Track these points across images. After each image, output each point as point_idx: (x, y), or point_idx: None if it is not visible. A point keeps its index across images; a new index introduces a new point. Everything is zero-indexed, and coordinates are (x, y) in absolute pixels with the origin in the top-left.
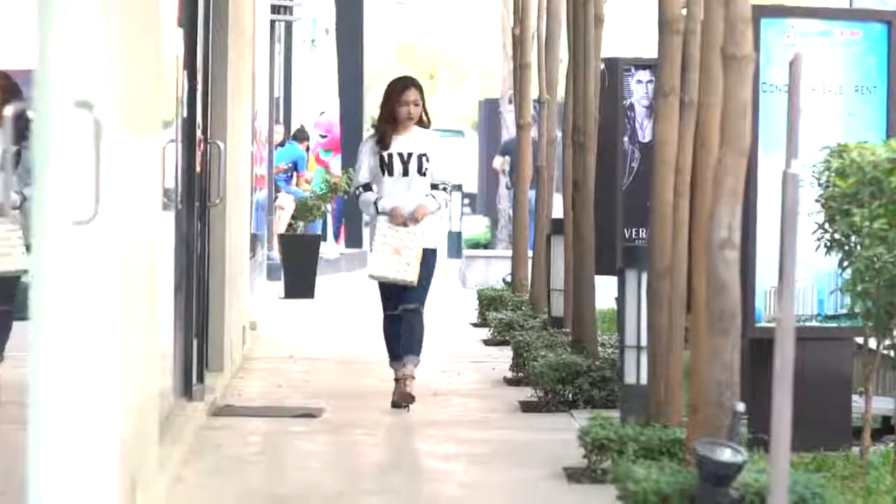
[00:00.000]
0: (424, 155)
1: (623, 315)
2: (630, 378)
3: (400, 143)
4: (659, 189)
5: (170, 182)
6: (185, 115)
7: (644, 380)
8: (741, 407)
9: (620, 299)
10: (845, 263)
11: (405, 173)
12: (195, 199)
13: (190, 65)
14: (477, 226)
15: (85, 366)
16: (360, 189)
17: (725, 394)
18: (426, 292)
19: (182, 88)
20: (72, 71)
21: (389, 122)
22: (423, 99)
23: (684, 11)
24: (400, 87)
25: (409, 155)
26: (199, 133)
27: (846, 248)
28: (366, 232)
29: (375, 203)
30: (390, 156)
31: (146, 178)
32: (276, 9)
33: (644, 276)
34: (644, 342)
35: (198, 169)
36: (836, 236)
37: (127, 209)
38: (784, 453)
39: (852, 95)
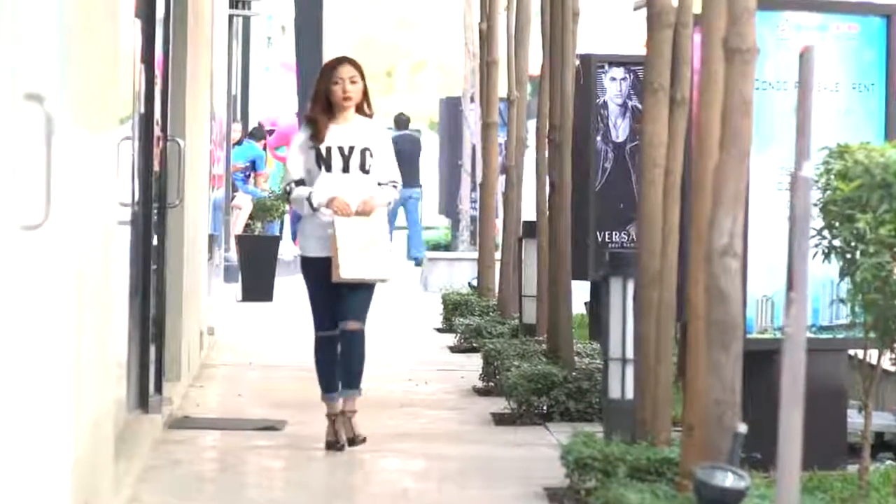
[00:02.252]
0: (368, 149)
1: (607, 325)
2: (614, 392)
3: (338, 135)
4: (647, 192)
5: (126, 182)
6: (142, 110)
7: (629, 394)
8: (743, 428)
9: (605, 308)
10: (847, 272)
11: (345, 169)
12: (153, 199)
13: (147, 58)
14: (437, 226)
15: (34, 380)
16: (292, 185)
17: (726, 414)
18: (368, 309)
19: (139, 82)
20: (20, 59)
21: (324, 110)
22: (363, 82)
23: (675, 2)
24: (333, 63)
25: (351, 149)
26: (157, 130)
27: (848, 255)
28: None
29: (309, 198)
30: (328, 149)
31: (101, 177)
32: (234, 3)
33: (630, 284)
34: (630, 354)
35: (156, 168)
36: (837, 243)
37: (81, 212)
38: (793, 480)
39: (849, 93)
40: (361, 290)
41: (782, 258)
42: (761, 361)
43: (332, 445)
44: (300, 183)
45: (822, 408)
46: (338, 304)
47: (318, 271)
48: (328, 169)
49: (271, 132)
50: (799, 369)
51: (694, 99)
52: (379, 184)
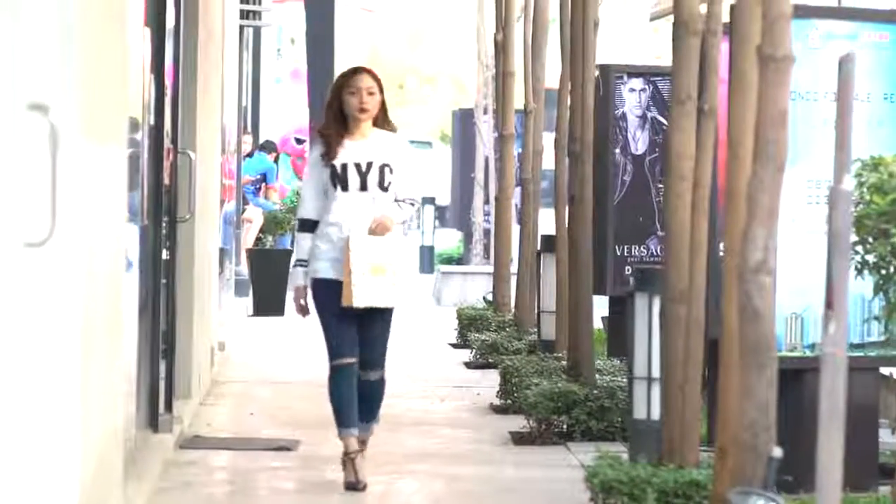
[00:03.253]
0: (387, 165)
1: (632, 343)
2: (640, 412)
3: (355, 150)
4: (675, 206)
5: (135, 195)
6: (152, 121)
7: (655, 415)
8: (778, 452)
9: (629, 325)
10: (882, 288)
11: (363, 187)
12: (163, 213)
13: (157, 67)
14: (449, 240)
15: (39, 401)
16: (298, 225)
17: (760, 437)
18: (387, 346)
19: (149, 92)
20: (23, 68)
21: (338, 124)
22: (382, 95)
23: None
24: (349, 72)
25: (369, 165)
26: (167, 142)
27: (882, 271)
28: None
29: (301, 264)
30: (344, 166)
31: (109, 191)
32: (245, 14)
33: (656, 300)
34: (656, 373)
35: (166, 181)
36: (871, 258)
37: (88, 227)
38: None
39: (881, 104)
40: (378, 321)
41: (812, 274)
42: (791, 380)
43: (353, 486)
44: (307, 226)
45: (853, 427)
46: (354, 331)
47: (330, 295)
48: (344, 188)
49: (301, 142)
50: (838, 392)
51: (721, 109)
52: (396, 201)
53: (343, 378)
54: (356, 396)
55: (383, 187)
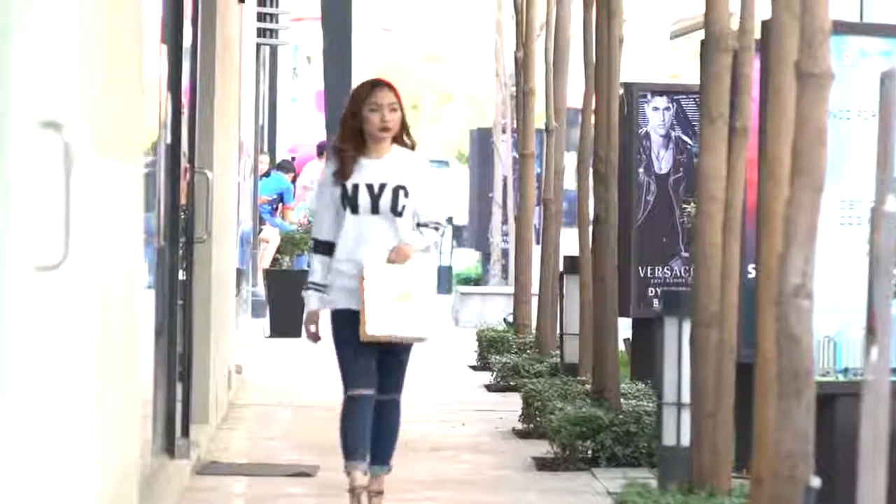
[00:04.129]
0: (402, 188)
1: (661, 368)
2: (669, 439)
3: (370, 170)
4: (704, 227)
5: (151, 215)
6: (168, 140)
7: (685, 441)
8: (817, 482)
9: (658, 349)
10: None
11: (374, 210)
12: (179, 233)
13: (174, 85)
14: (467, 260)
15: (54, 428)
16: (312, 245)
17: (798, 467)
18: (404, 377)
19: (165, 111)
20: (37, 83)
21: (355, 141)
22: (402, 111)
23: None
24: (368, 86)
25: (382, 186)
26: (184, 161)
27: None
28: None
29: (314, 287)
30: (355, 187)
31: (125, 211)
32: (261, 32)
33: (686, 324)
34: (686, 398)
35: (183, 201)
36: None
37: (103, 249)
38: None
39: None
40: (396, 353)
41: (844, 297)
42: (823, 405)
43: None
44: (319, 246)
45: (892, 456)
46: (373, 362)
47: (344, 325)
48: (354, 210)
49: (293, 159)
50: (881, 424)
51: (752, 128)
52: (418, 225)
53: (357, 409)
54: (368, 430)
55: (396, 212)
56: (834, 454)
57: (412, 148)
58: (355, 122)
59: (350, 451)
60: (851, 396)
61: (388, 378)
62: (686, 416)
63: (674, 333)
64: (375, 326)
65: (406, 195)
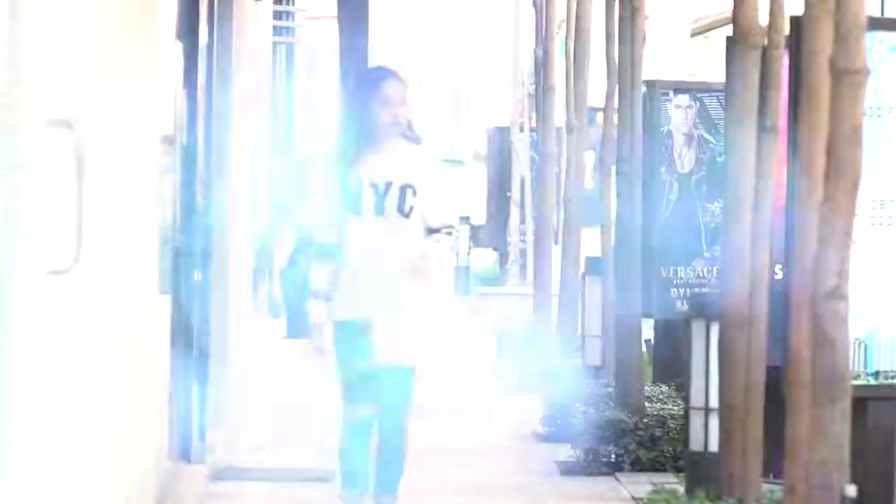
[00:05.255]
0: (410, 187)
1: (688, 372)
2: (697, 444)
3: (375, 167)
4: (734, 229)
5: (167, 217)
6: (184, 141)
7: (713, 446)
8: (852, 490)
9: (685, 353)
10: None
11: (379, 211)
12: (196, 234)
13: (190, 84)
14: (484, 259)
15: (67, 435)
16: (313, 249)
17: (833, 475)
18: (411, 397)
19: (181, 110)
20: (48, 81)
21: (361, 134)
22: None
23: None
24: (376, 76)
25: (388, 185)
26: (199, 161)
27: None
28: None
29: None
30: (359, 185)
31: (140, 213)
32: (277, 30)
33: (713, 328)
34: (713, 403)
35: (199, 201)
36: None
37: (117, 252)
38: None
39: None
40: (407, 372)
41: (876, 298)
42: (859, 410)
43: None
44: (322, 249)
45: None
46: (375, 381)
47: (345, 336)
48: (356, 211)
49: None
50: None
51: (782, 126)
52: (430, 230)
53: (355, 429)
54: (368, 452)
55: (403, 213)
56: (865, 459)
57: (418, 142)
58: (361, 115)
59: (346, 479)
60: (884, 400)
61: (395, 406)
62: (714, 421)
63: (701, 337)
64: (380, 350)
65: (414, 194)
